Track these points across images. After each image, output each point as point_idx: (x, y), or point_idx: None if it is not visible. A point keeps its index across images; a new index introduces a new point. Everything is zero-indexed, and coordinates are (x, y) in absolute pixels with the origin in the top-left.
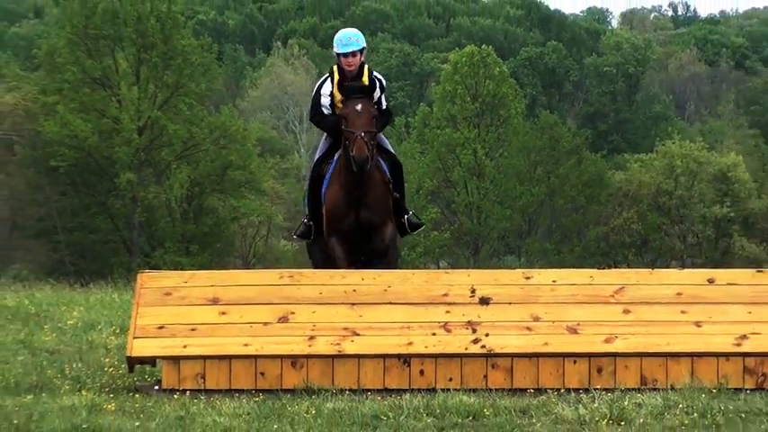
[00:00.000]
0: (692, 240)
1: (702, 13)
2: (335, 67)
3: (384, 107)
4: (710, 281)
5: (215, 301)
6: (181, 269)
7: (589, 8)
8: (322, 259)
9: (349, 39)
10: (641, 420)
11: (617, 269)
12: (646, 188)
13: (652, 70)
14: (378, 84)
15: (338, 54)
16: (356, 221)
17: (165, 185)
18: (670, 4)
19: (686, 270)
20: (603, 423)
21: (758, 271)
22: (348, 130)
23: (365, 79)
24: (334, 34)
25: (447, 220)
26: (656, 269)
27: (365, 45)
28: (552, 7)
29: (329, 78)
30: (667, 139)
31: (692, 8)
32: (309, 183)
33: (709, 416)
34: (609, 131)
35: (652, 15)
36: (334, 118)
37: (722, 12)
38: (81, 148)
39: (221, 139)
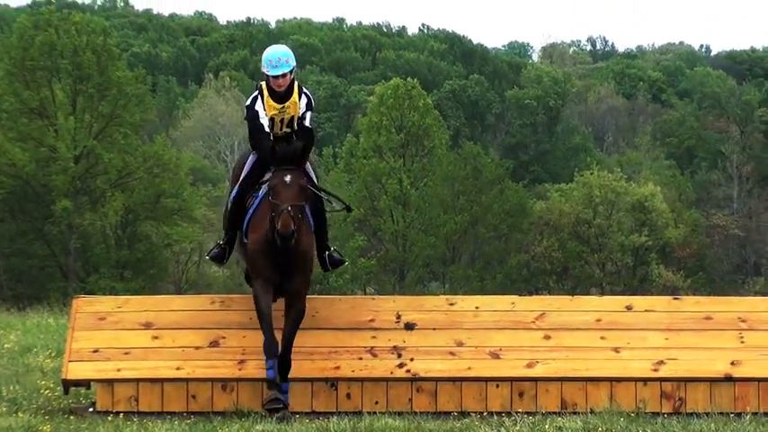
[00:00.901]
0: (610, 268)
1: (620, 48)
2: (263, 84)
3: (308, 125)
4: (629, 308)
5: (148, 326)
6: (115, 294)
7: (510, 42)
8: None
9: (278, 60)
10: None
11: (538, 296)
12: (566, 217)
13: (572, 103)
14: (305, 102)
15: (267, 76)
16: (281, 283)
17: (101, 212)
18: (589, 39)
19: (605, 297)
20: None
21: (674, 298)
22: (274, 203)
23: (294, 97)
24: (265, 54)
25: (373, 247)
26: (575, 296)
27: (295, 64)
28: (475, 41)
29: (259, 96)
30: (586, 170)
31: (609, 43)
32: (231, 206)
33: None
34: (530, 162)
35: (571, 50)
36: (269, 143)
37: (639, 47)
38: (18, 176)
39: (155, 167)
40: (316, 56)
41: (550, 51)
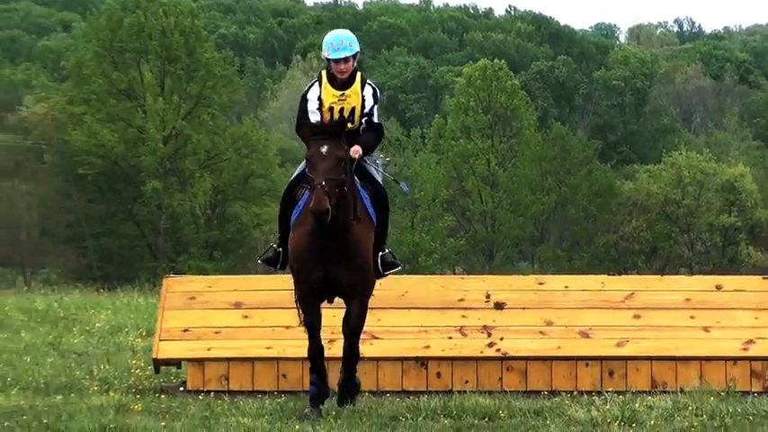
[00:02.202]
0: (699, 248)
1: (707, 29)
2: (324, 72)
3: (375, 121)
4: (718, 287)
5: (238, 306)
6: (205, 274)
7: (597, 24)
8: (299, 292)
9: (341, 42)
10: (652, 422)
11: (627, 276)
12: (654, 198)
13: (659, 84)
14: (371, 93)
15: (328, 59)
16: (326, 277)
17: (190, 193)
18: (676, 20)
19: (694, 277)
20: (615, 425)
21: (764, 278)
22: (309, 176)
23: (356, 88)
24: (327, 37)
25: (462, 227)
26: (665, 276)
27: (359, 49)
28: (562, 23)
29: (317, 83)
30: (674, 151)
31: (696, 24)
32: (281, 205)
33: (717, 418)
34: (618, 143)
35: (658, 31)
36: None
37: (726, 28)
38: (108, 156)
39: (243, 148)
40: (403, 37)
41: (637, 32)
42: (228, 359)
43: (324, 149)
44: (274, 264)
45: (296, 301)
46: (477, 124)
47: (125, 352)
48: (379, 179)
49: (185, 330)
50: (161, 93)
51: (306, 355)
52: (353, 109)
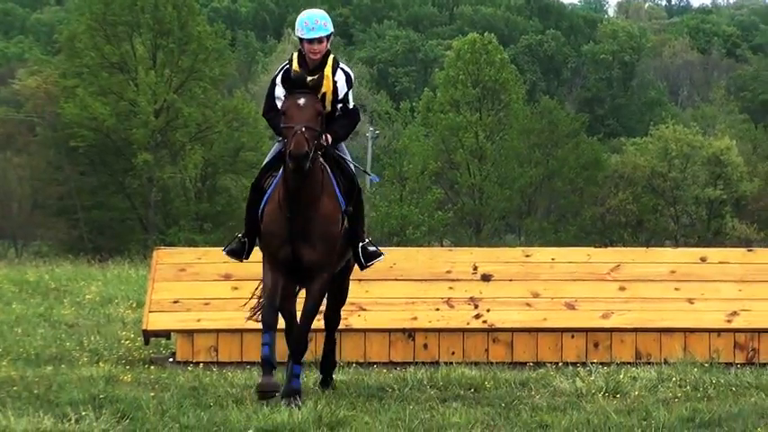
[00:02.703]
0: (685, 221)
1: (695, 3)
2: (295, 54)
3: (351, 106)
4: (703, 259)
5: (227, 277)
6: (195, 246)
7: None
8: (266, 273)
9: (315, 22)
10: (636, 393)
11: (613, 248)
12: (641, 170)
13: (646, 58)
14: (344, 80)
15: (301, 39)
16: (293, 255)
17: (180, 166)
18: None
19: (679, 249)
20: (600, 396)
21: (749, 250)
22: (287, 126)
23: (327, 70)
24: (300, 16)
25: (450, 200)
26: (650, 248)
27: (332, 30)
28: None
29: (288, 66)
30: (661, 124)
31: None
32: (250, 193)
33: (701, 389)
34: (605, 116)
35: (647, 5)
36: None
37: (714, 2)
38: (99, 129)
39: (234, 121)
40: (393, 10)
41: (626, 6)
42: (218, 330)
43: (301, 101)
44: (239, 255)
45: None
46: (465, 98)
47: (115, 323)
48: (352, 169)
49: (175, 302)
50: (153, 66)
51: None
52: (324, 95)
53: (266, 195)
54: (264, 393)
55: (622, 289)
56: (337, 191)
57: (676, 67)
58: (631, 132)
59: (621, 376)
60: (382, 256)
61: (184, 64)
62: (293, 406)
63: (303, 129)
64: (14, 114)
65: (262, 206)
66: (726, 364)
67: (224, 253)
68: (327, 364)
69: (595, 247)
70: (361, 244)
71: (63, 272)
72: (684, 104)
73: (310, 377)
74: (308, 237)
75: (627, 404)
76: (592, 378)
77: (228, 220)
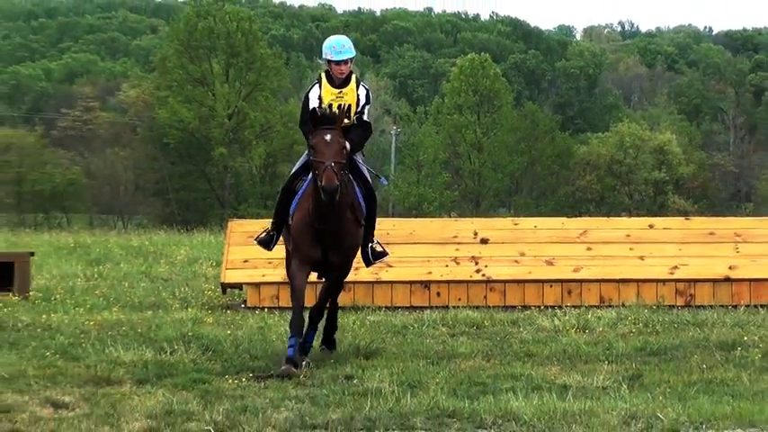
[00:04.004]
0: (637, 197)
1: (643, 29)
2: (323, 74)
3: (366, 119)
4: (651, 226)
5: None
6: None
7: (559, 25)
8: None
9: (342, 46)
10: (600, 329)
11: (581, 218)
12: (602, 158)
13: (606, 71)
14: (364, 94)
15: (329, 61)
16: (323, 258)
17: (248, 157)
18: (619, 22)
19: (633, 218)
20: (572, 331)
21: (686, 218)
22: (317, 161)
23: (352, 85)
24: (328, 41)
25: (455, 182)
26: (610, 218)
27: (355, 53)
28: (532, 25)
29: (318, 84)
30: (618, 122)
31: (635, 25)
32: (281, 194)
33: (650, 326)
34: (574, 116)
35: (605, 30)
36: None
37: (658, 27)
38: (185, 129)
39: (289, 122)
40: (411, 37)
41: (590, 32)
42: (278, 283)
43: (328, 137)
44: (268, 245)
45: (288, 275)
46: (467, 103)
47: (199, 278)
48: (365, 173)
49: (245, 261)
50: (226, 80)
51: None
52: (349, 106)
53: (296, 198)
54: (284, 377)
55: (589, 249)
56: (359, 198)
57: (629, 79)
58: (595, 129)
59: (589, 316)
60: (388, 256)
61: (250, 78)
62: (305, 364)
63: (332, 164)
64: (120, 118)
65: (292, 208)
66: (669, 306)
67: (255, 242)
68: (331, 329)
69: (568, 217)
70: (370, 245)
71: (159, 239)
72: (635, 107)
73: (350, 317)
74: (334, 243)
75: (593, 338)
76: (566, 318)
77: None
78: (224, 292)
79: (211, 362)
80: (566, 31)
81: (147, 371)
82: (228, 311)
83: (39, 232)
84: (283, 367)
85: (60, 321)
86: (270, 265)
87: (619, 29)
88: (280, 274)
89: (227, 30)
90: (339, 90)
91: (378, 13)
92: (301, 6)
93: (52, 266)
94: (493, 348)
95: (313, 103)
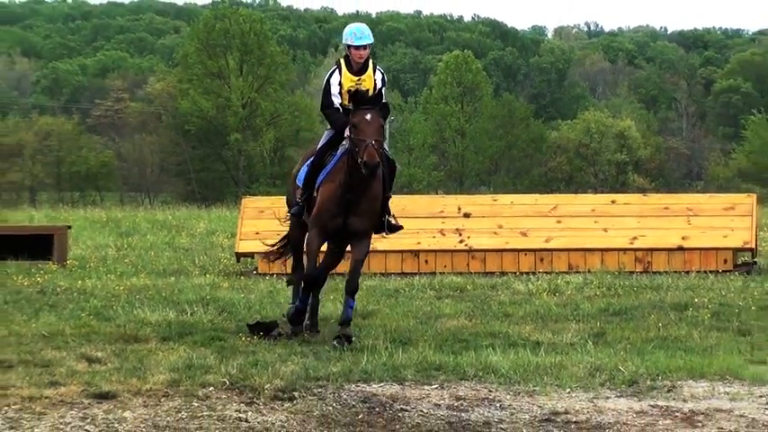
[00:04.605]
0: (601, 176)
1: (607, 29)
2: (342, 60)
3: (384, 101)
4: (613, 201)
5: None
6: (270, 196)
7: (533, 25)
8: (294, 228)
9: (362, 32)
10: (569, 292)
11: (552, 194)
12: (571, 142)
13: (574, 66)
14: (380, 78)
15: (349, 46)
16: (344, 224)
17: (260, 142)
18: (585, 23)
19: (597, 195)
20: (544, 294)
21: (644, 195)
22: (359, 138)
23: (369, 72)
24: (348, 28)
25: (442, 163)
26: (577, 194)
27: (372, 40)
28: (509, 25)
29: (337, 70)
30: (585, 111)
31: (599, 25)
32: (310, 167)
33: (612, 289)
34: (546, 106)
35: (574, 30)
36: (344, 117)
37: (619, 28)
38: (204, 117)
39: (295, 111)
40: (402, 36)
41: (560, 31)
42: (265, 254)
43: (368, 116)
44: (300, 214)
45: (308, 231)
46: (452, 94)
47: (216, 248)
48: (388, 154)
49: (257, 233)
50: (240, 74)
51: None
52: (367, 91)
53: (325, 171)
54: (288, 335)
55: (559, 222)
56: (383, 174)
57: (594, 73)
58: (564, 117)
59: (559, 281)
60: (402, 228)
61: (261, 73)
62: (349, 333)
63: (373, 142)
64: (147, 108)
65: (320, 180)
66: (629, 272)
67: (290, 214)
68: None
69: (540, 194)
70: (387, 217)
71: (181, 214)
72: (600, 98)
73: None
74: (360, 211)
75: (563, 300)
76: (539, 282)
77: None
78: (238, 260)
79: (227, 322)
80: (538, 30)
81: (170, 330)
82: (242, 277)
83: (75, 208)
84: (293, 328)
85: (94, 286)
86: (278, 237)
87: (585, 29)
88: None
89: (241, 30)
90: (358, 77)
91: (373, 15)
92: (306, 9)
93: (87, 238)
94: (474, 309)
95: (334, 89)
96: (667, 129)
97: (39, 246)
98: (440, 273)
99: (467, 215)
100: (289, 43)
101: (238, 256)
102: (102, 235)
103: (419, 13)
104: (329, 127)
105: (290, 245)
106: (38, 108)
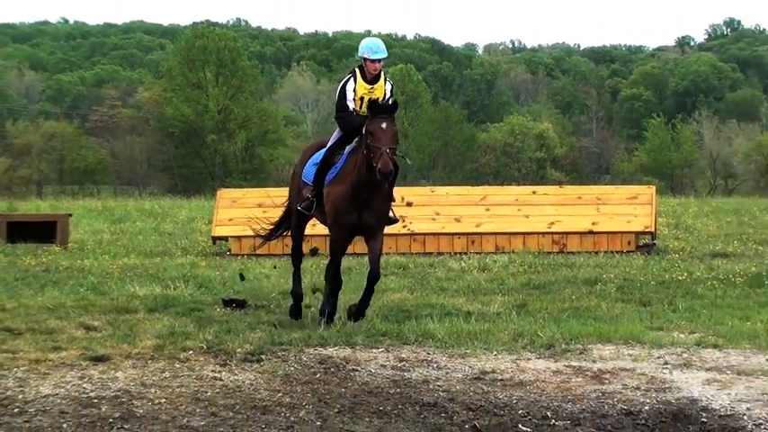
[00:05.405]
0: (523, 171)
1: (528, 45)
2: (357, 69)
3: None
4: (534, 192)
5: (260, 205)
6: (241, 188)
7: (466, 43)
8: (298, 223)
9: (378, 47)
10: (496, 269)
11: (482, 186)
12: (498, 142)
13: (501, 78)
14: (390, 88)
15: (365, 59)
16: (358, 221)
17: (233, 142)
18: (510, 40)
19: (520, 186)
20: (475, 271)
21: (560, 186)
22: (374, 146)
23: (381, 82)
24: (365, 42)
25: None
26: (503, 186)
27: (387, 54)
28: (445, 42)
29: (352, 77)
30: (510, 116)
31: (522, 42)
32: (320, 165)
33: (533, 267)
34: (477, 111)
35: (501, 47)
36: (357, 121)
37: (539, 44)
38: (186, 121)
39: (263, 116)
40: (355, 51)
41: (489, 48)
42: (254, 236)
43: (384, 125)
44: (309, 209)
45: (330, 234)
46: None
47: (196, 232)
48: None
49: (230, 220)
50: (216, 84)
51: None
52: (378, 99)
53: (334, 170)
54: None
55: (487, 210)
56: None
57: (518, 83)
58: (492, 120)
59: (487, 260)
60: (398, 222)
61: (234, 83)
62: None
63: (388, 150)
64: (137, 113)
65: (329, 177)
66: (547, 252)
67: (299, 208)
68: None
69: (472, 186)
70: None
71: (166, 203)
72: (523, 104)
73: (309, 262)
74: (373, 209)
75: (491, 276)
76: (470, 261)
77: (261, 173)
78: (214, 243)
79: (204, 295)
80: (470, 47)
81: (155, 302)
82: (217, 258)
83: (76, 199)
84: (322, 324)
85: (91, 265)
86: (249, 223)
87: (510, 45)
88: (256, 229)
89: (217, 47)
90: (371, 86)
91: (330, 34)
92: (273, 29)
93: (85, 225)
94: (415, 284)
95: (349, 95)
96: (580, 130)
97: (44, 231)
98: (386, 253)
99: (409, 204)
100: (257, 58)
101: (214, 239)
102: (98, 222)
103: (369, 32)
104: (338, 129)
105: (292, 245)
106: (44, 114)
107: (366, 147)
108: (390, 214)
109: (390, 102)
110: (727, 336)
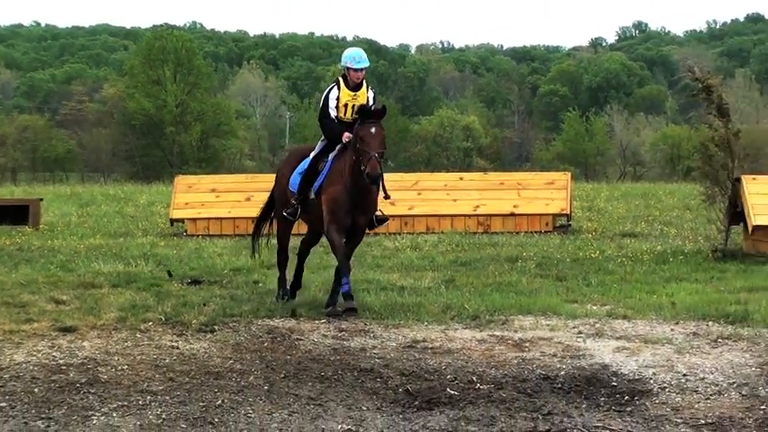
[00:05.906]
0: (452, 159)
1: (456, 46)
2: (341, 78)
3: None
4: (461, 178)
5: (214, 190)
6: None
7: (400, 43)
8: (284, 227)
9: (360, 57)
10: (427, 248)
11: (414, 173)
12: (429, 133)
13: (431, 75)
14: (372, 96)
15: (348, 68)
16: (352, 221)
17: (189, 134)
18: (440, 41)
19: (449, 173)
20: (408, 250)
21: (485, 173)
22: (363, 150)
23: (364, 90)
24: (348, 52)
25: None
26: (434, 173)
27: (369, 63)
28: (381, 43)
29: (336, 86)
30: (439, 109)
31: (451, 43)
32: (305, 173)
33: (460, 246)
34: (410, 106)
35: (431, 47)
36: (338, 129)
37: (466, 45)
38: (147, 115)
39: (217, 110)
40: (299, 51)
41: (421, 48)
42: (208, 218)
43: (373, 130)
44: (294, 216)
45: (327, 234)
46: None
47: (156, 215)
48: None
49: (186, 203)
50: (174, 81)
51: (249, 216)
52: (361, 105)
53: (322, 176)
54: (352, 311)
55: (419, 194)
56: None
57: (447, 80)
58: (424, 114)
59: (419, 240)
60: (388, 221)
61: (190, 80)
62: (353, 306)
63: (376, 155)
64: (102, 108)
65: (319, 183)
66: (473, 233)
67: (284, 214)
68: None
69: (405, 173)
70: (375, 213)
71: (128, 189)
72: (451, 99)
73: (263, 242)
74: (364, 210)
75: (422, 254)
76: (403, 241)
77: (215, 161)
78: (171, 224)
79: (163, 272)
80: (404, 47)
81: (119, 278)
82: (174, 238)
83: (46, 185)
84: (347, 303)
85: (60, 245)
86: (203, 206)
87: (440, 45)
88: (209, 211)
89: (175, 47)
90: (354, 93)
91: (277, 36)
92: (225, 31)
93: (55, 208)
94: (354, 262)
95: (332, 103)
96: (503, 123)
97: (18, 214)
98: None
99: None
100: (212, 57)
101: (172, 221)
102: (67, 206)
103: (312, 33)
104: (323, 137)
105: (278, 246)
106: (18, 108)
107: (355, 150)
108: (379, 214)
109: (380, 107)
110: (635, 308)
